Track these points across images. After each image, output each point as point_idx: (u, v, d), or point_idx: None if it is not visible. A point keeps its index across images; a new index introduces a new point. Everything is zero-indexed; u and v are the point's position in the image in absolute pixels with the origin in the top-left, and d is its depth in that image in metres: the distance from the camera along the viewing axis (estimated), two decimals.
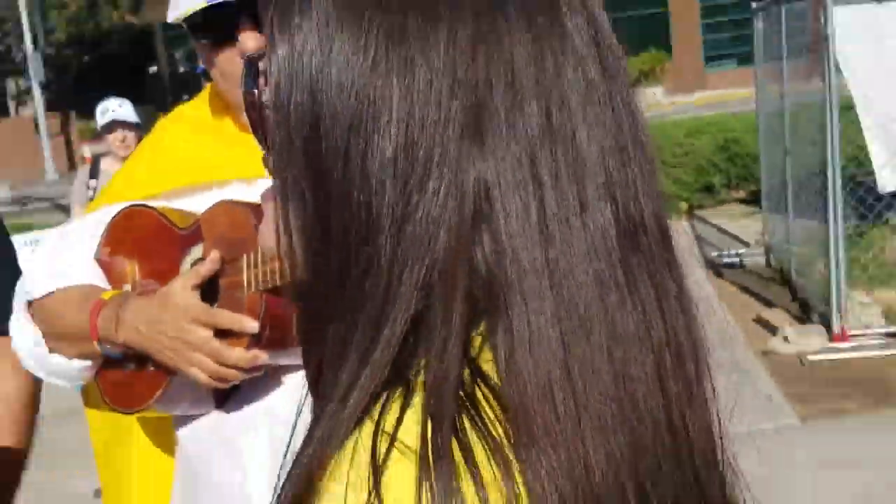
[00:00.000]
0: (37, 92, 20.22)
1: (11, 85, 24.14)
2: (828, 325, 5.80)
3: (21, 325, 1.56)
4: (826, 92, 5.62)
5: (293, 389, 1.44)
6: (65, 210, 10.73)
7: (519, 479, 0.56)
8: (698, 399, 0.63)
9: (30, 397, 1.82)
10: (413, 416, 0.57)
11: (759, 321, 6.33)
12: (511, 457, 0.56)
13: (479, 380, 0.58)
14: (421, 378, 0.58)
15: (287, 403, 1.44)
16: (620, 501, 0.58)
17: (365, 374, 0.58)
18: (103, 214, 1.55)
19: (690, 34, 27.75)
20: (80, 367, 1.53)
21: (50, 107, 20.66)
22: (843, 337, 5.70)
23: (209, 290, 1.43)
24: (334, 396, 0.59)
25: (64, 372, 1.55)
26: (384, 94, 0.58)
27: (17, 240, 1.87)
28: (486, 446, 0.56)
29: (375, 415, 0.57)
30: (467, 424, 0.56)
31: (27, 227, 7.36)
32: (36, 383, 1.80)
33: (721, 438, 0.65)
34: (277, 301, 1.34)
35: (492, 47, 0.59)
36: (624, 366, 0.59)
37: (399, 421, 0.56)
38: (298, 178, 0.61)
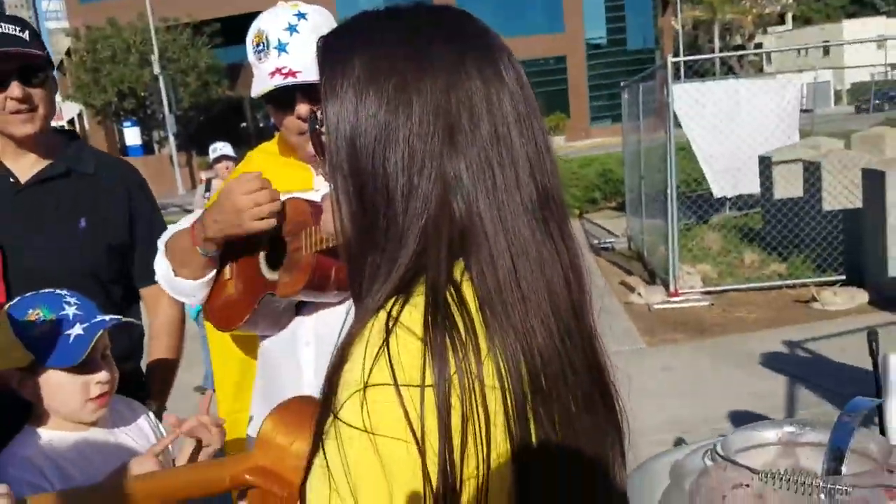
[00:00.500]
0: (171, 139, 28.16)
1: (155, 134, 34.15)
2: (666, 286, 7.13)
3: (160, 260, 1.73)
4: (667, 139, 6.98)
5: (330, 317, 1.63)
6: (189, 213, 14.29)
7: (484, 349, 0.74)
8: (586, 298, 0.84)
9: (182, 318, 2.19)
10: (411, 309, 0.75)
11: (623, 284, 7.70)
12: (480, 337, 0.75)
13: (457, 294, 0.77)
14: (420, 291, 0.77)
15: (327, 326, 1.64)
16: (555, 356, 0.78)
17: (387, 286, 0.78)
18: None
19: (581, 103, 35.16)
20: (195, 287, 1.69)
21: (179, 148, 28.81)
22: (675, 294, 7.01)
23: (280, 254, 1.58)
24: (370, 302, 0.79)
25: (186, 291, 1.72)
26: (395, 122, 0.79)
27: None
28: (461, 331, 0.74)
29: (388, 307, 0.76)
30: (451, 318, 0.75)
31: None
32: (183, 310, 2.15)
33: (594, 325, 0.84)
34: (322, 259, 1.50)
35: (458, 90, 0.79)
36: (548, 277, 0.79)
37: (401, 311, 0.75)
38: (345, 175, 0.82)
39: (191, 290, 1.71)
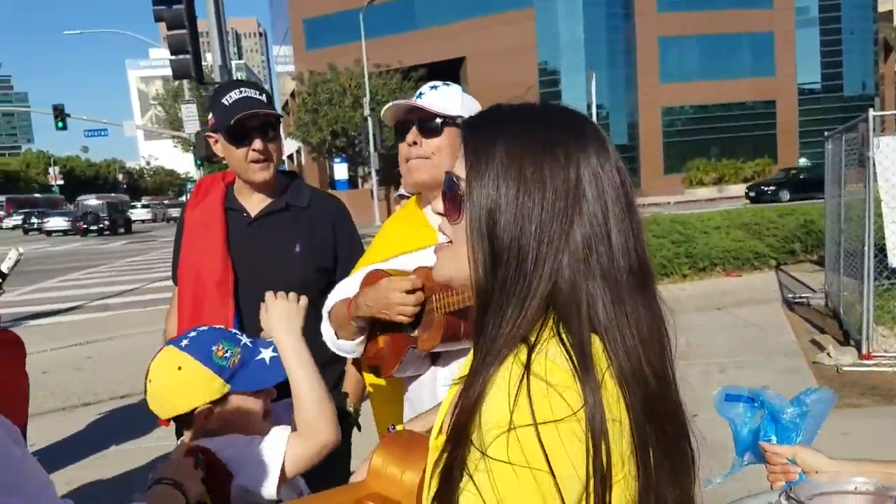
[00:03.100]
0: (373, 174, 31.13)
1: (360, 170, 38.29)
2: (859, 348, 6.82)
3: (326, 325, 2.08)
4: (866, 193, 6.71)
5: (463, 361, 1.58)
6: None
7: (612, 390, 0.90)
8: (670, 347, 0.98)
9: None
10: (541, 359, 0.88)
11: (814, 342, 7.43)
12: (609, 382, 0.90)
13: (590, 349, 0.90)
14: (545, 341, 0.91)
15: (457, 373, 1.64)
16: (660, 395, 0.93)
17: (515, 333, 0.91)
18: (361, 273, 2.06)
19: (790, 148, 34.22)
20: (353, 345, 2.03)
21: (380, 183, 31.49)
22: (868, 357, 6.69)
23: (420, 313, 1.83)
24: (498, 342, 0.93)
25: (346, 349, 2.06)
26: (530, 202, 0.93)
27: None
28: (597, 378, 0.88)
29: (520, 356, 0.90)
30: (592, 368, 0.89)
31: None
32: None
33: (675, 371, 0.98)
34: (451, 319, 1.75)
35: (583, 175, 0.95)
36: (652, 332, 0.95)
37: (528, 359, 0.88)
38: (483, 238, 0.95)
39: (349, 349, 2.06)
